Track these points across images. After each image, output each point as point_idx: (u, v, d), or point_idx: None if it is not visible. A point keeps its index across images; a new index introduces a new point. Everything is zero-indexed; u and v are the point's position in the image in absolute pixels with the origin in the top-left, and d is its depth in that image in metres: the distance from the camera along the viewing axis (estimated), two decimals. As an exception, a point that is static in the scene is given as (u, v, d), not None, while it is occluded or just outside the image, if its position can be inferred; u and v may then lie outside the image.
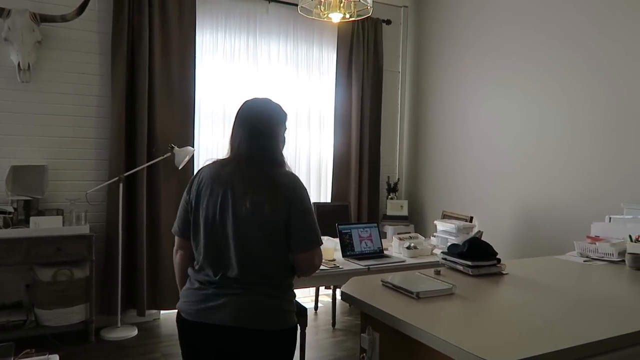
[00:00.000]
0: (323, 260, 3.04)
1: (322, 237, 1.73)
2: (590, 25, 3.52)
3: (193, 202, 1.69)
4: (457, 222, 3.63)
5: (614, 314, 1.69)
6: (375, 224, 3.47)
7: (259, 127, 1.70)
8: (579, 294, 1.97)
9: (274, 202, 1.62)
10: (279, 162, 1.72)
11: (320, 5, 3.07)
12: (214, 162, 1.75)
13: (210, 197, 1.65)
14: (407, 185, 5.34)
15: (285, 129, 1.80)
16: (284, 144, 1.78)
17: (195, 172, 1.78)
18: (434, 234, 3.75)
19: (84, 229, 3.58)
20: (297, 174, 1.77)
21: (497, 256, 2.22)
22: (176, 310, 1.73)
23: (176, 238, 1.80)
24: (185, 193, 1.76)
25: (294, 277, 1.74)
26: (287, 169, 1.73)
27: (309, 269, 1.74)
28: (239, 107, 1.77)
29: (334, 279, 3.11)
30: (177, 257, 1.80)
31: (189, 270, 1.73)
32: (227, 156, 1.73)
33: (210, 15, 4.34)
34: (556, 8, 3.76)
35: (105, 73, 3.91)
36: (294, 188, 1.66)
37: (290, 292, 1.72)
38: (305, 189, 1.72)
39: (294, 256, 1.68)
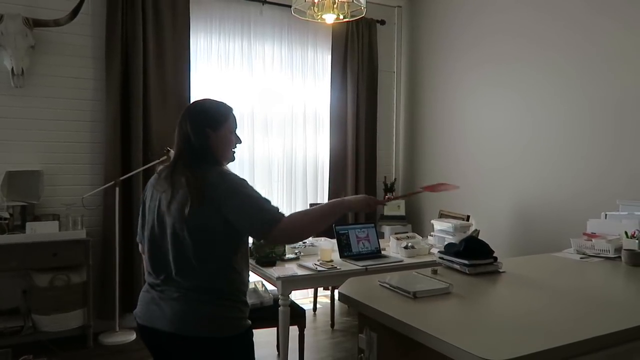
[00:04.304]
0: (320, 261, 3.06)
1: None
2: (585, 18, 3.53)
3: (143, 208, 1.77)
4: (454, 221, 3.64)
5: (611, 310, 1.69)
6: (373, 225, 3.47)
7: (187, 128, 1.68)
8: (576, 290, 1.97)
9: (197, 202, 1.56)
10: (210, 161, 1.67)
11: (313, 6, 3.06)
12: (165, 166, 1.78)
13: (151, 202, 1.71)
14: (404, 185, 5.34)
15: (231, 130, 1.74)
16: (226, 143, 1.72)
17: None
18: (431, 233, 3.76)
19: (80, 233, 3.56)
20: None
21: (494, 254, 2.22)
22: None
23: (139, 245, 1.85)
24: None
25: (237, 282, 1.66)
26: (219, 167, 1.68)
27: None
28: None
29: (331, 279, 3.11)
30: (143, 263, 1.82)
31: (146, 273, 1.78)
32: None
33: (204, 19, 4.34)
34: (551, 9, 3.77)
35: (99, 77, 3.89)
36: (220, 185, 1.59)
37: (230, 298, 1.63)
38: (237, 181, 1.63)
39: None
